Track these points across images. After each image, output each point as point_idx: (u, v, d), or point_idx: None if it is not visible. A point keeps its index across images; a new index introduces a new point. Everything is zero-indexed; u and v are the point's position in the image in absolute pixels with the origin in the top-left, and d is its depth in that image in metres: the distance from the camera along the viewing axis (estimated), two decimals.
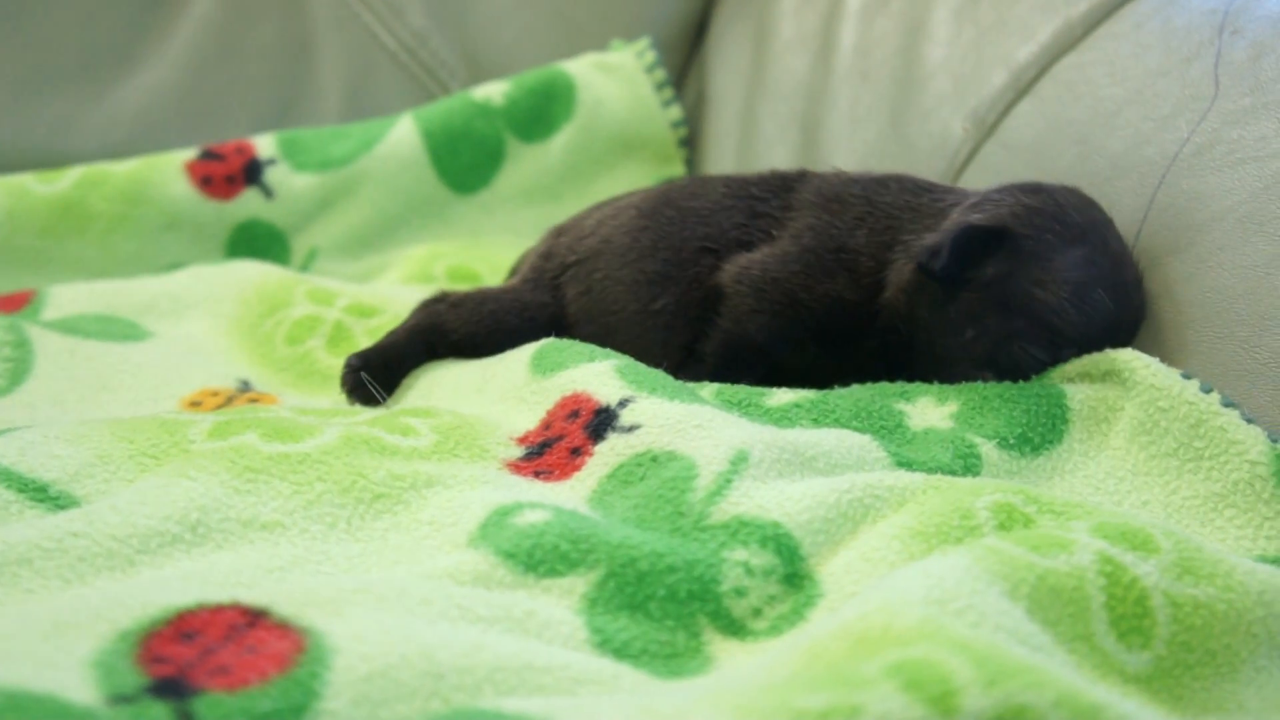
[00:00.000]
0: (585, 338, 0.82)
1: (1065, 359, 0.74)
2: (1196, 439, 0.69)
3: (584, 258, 0.88)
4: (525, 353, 0.79)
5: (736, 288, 0.81)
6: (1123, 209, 0.84)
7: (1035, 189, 0.79)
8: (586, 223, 0.90)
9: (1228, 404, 0.70)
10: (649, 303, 0.84)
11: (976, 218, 0.76)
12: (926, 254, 0.76)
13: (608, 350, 0.77)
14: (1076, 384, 0.75)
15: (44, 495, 0.60)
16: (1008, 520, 0.61)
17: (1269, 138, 0.80)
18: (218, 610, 0.51)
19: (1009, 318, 0.75)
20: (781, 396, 0.77)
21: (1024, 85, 0.99)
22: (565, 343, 0.79)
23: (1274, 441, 0.67)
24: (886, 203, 0.82)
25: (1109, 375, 0.74)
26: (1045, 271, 0.74)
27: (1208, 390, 0.70)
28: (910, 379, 0.77)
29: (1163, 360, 0.75)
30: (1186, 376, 0.72)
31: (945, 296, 0.76)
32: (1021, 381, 0.75)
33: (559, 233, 0.93)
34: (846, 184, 0.85)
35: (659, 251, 0.84)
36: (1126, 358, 0.74)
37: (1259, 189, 0.78)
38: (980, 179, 0.97)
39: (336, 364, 0.88)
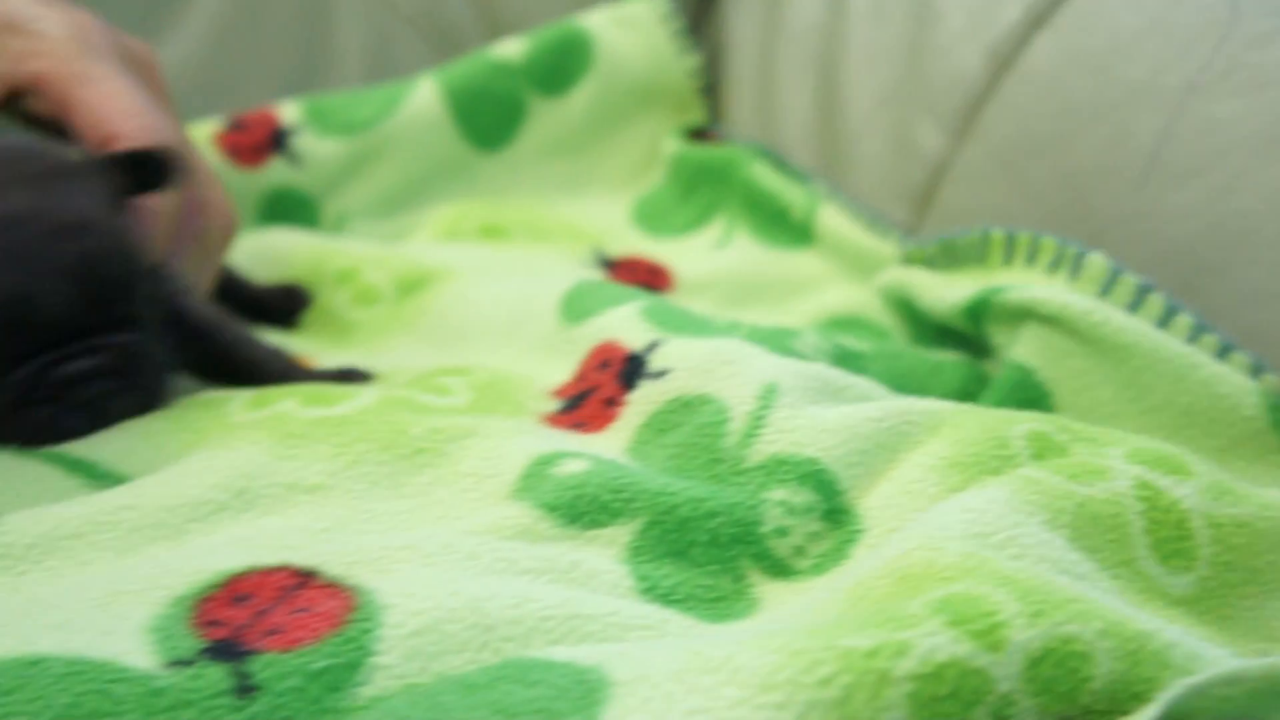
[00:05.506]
0: None
1: None
2: (1182, 394, 0.67)
3: None
4: (554, 296, 0.79)
5: None
6: (1142, 135, 0.84)
7: None
8: None
9: (1226, 346, 0.69)
10: None
11: None
12: None
13: (634, 290, 0.76)
14: (1018, 344, 0.73)
15: (93, 473, 0.61)
16: (1043, 449, 0.61)
17: None
18: (268, 573, 0.52)
19: None
20: (809, 340, 0.78)
21: (1040, 17, 0.99)
22: (593, 284, 0.78)
23: (1268, 394, 0.66)
24: None
25: (1047, 322, 0.72)
26: None
27: (1198, 329, 0.69)
28: None
29: (1190, 284, 0.75)
30: (1163, 322, 0.70)
31: None
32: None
33: None
34: None
35: None
36: (1058, 303, 0.72)
37: None
38: (999, 113, 0.96)
39: (365, 318, 0.89)
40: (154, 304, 0.66)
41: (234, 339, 0.73)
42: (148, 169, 0.67)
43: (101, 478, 0.61)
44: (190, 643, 0.47)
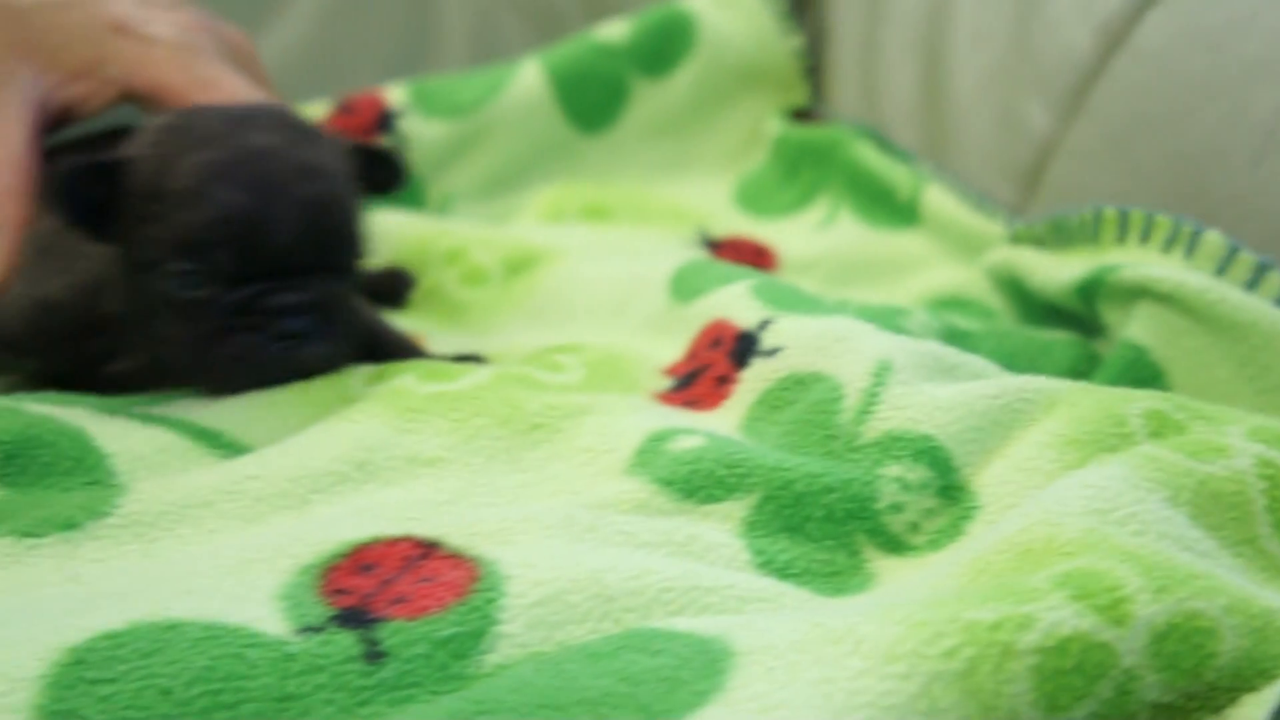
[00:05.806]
0: None
1: (225, 264, 0.63)
2: None
3: None
4: (663, 275, 0.80)
5: None
6: (1259, 112, 0.83)
7: (181, 111, 0.68)
8: None
9: None
10: None
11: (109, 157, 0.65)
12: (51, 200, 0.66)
13: (743, 269, 0.77)
14: (1130, 322, 0.73)
15: (217, 443, 0.63)
16: (1160, 427, 0.60)
17: None
18: (392, 543, 0.53)
19: (150, 249, 0.64)
20: (918, 319, 0.77)
21: None
22: (702, 263, 0.79)
23: None
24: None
25: (1162, 301, 0.72)
26: (162, 184, 0.63)
27: None
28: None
29: None
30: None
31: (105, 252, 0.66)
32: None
33: None
34: None
35: None
36: (1174, 281, 0.71)
37: None
38: (1109, 92, 0.95)
39: (474, 298, 0.90)
40: (358, 269, 0.69)
41: (366, 317, 0.75)
42: (383, 168, 0.71)
43: (226, 447, 0.63)
44: (319, 610, 0.49)
